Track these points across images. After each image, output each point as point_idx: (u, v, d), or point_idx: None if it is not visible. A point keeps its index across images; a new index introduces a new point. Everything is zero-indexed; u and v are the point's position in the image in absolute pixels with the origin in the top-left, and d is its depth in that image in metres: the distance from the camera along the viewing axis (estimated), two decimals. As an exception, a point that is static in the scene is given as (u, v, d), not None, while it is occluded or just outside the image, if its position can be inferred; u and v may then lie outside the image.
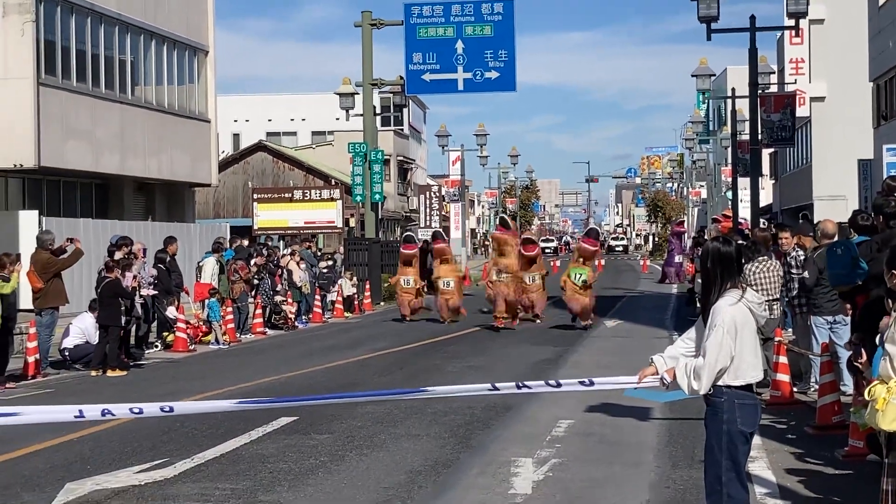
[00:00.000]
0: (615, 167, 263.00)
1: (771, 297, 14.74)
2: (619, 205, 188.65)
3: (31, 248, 20.51)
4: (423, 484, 9.84)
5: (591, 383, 7.67)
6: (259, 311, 26.78)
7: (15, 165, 29.13)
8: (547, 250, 65.85)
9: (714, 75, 39.63)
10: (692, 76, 36.48)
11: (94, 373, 18.63)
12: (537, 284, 27.07)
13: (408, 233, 32.94)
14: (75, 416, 7.72)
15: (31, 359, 18.31)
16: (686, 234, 48.15)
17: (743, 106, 40.68)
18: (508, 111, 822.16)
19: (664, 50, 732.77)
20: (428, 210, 79.80)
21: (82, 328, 19.84)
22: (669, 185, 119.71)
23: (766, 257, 15.02)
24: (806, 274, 14.54)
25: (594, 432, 12.28)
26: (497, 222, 31.11)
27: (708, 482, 6.81)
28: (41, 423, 9.01)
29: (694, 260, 36.51)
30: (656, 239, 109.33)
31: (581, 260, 26.74)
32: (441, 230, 34.17)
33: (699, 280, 7.72)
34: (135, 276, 20.13)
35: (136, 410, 7.53)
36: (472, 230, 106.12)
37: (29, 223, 27.47)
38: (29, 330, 18.54)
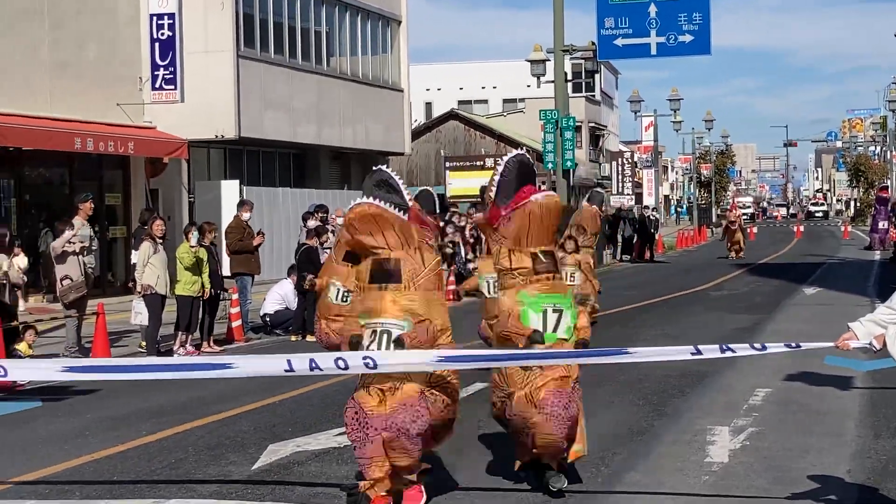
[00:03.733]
0: (814, 131, 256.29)
1: None
2: (819, 169, 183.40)
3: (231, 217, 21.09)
4: (617, 451, 9.80)
5: (798, 346, 7.86)
6: (452, 278, 27.00)
7: (217, 136, 30.03)
8: (744, 216, 64.39)
9: (920, 33, 38.10)
10: (896, 35, 35.20)
11: (293, 338, 19.13)
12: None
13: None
14: (285, 370, 8.02)
15: (234, 324, 18.93)
16: (890, 200, 46.55)
17: (951, 65, 39.07)
18: (703, 75, 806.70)
19: (867, 9, 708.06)
20: (620, 177, 79.10)
21: (282, 294, 20.31)
22: (872, 148, 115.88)
23: None
24: None
25: (793, 401, 12.02)
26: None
27: (913, 453, 6.62)
28: (254, 375, 9.23)
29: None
30: (858, 204, 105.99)
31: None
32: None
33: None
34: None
35: (342, 364, 7.77)
36: (666, 196, 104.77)
37: (231, 192, 28.34)
38: (232, 296, 19.12)
